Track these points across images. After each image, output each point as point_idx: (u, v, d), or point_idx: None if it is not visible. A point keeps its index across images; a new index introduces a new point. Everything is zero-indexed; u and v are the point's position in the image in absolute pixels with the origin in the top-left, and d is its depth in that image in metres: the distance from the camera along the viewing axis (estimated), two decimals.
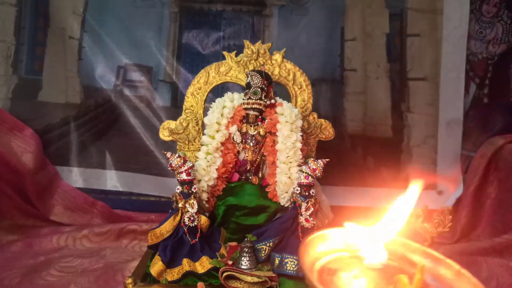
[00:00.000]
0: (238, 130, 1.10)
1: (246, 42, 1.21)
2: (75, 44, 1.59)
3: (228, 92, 1.14)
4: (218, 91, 1.36)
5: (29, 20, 1.60)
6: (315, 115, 1.21)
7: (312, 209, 0.96)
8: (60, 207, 1.52)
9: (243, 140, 1.10)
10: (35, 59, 1.61)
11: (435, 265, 0.43)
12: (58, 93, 1.61)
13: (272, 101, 1.10)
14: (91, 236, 1.39)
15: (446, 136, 1.57)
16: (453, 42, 1.54)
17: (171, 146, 1.40)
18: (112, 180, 1.62)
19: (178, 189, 0.98)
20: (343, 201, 1.54)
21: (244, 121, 1.11)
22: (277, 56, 1.20)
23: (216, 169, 1.06)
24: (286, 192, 1.04)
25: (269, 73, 1.15)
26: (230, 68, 1.21)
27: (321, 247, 0.46)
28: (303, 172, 0.97)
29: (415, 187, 0.50)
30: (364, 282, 0.41)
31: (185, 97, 1.20)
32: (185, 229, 0.96)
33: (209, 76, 1.21)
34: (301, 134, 1.07)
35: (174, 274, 0.91)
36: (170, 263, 0.93)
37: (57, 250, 1.32)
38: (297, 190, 0.98)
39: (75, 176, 1.61)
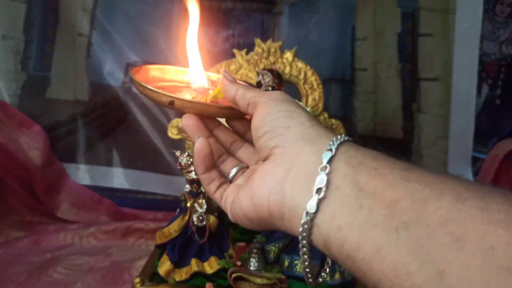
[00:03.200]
0: None
1: (257, 41, 1.19)
2: (84, 41, 1.58)
3: None
4: None
5: (38, 17, 1.59)
6: (326, 115, 1.20)
7: None
8: (67, 204, 1.52)
9: None
10: (44, 55, 1.61)
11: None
12: (66, 90, 1.61)
13: None
14: (98, 234, 1.38)
15: (457, 137, 1.55)
16: (465, 43, 1.51)
17: (179, 144, 1.39)
18: (119, 178, 1.62)
19: (187, 188, 0.97)
20: None
21: None
22: (288, 55, 1.19)
23: None
24: None
25: (280, 72, 1.14)
26: (240, 67, 1.20)
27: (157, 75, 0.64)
28: None
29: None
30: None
31: None
32: (194, 229, 0.95)
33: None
34: None
35: (182, 274, 0.91)
36: (178, 263, 0.92)
37: (64, 247, 1.31)
38: None
39: (82, 174, 1.60)
